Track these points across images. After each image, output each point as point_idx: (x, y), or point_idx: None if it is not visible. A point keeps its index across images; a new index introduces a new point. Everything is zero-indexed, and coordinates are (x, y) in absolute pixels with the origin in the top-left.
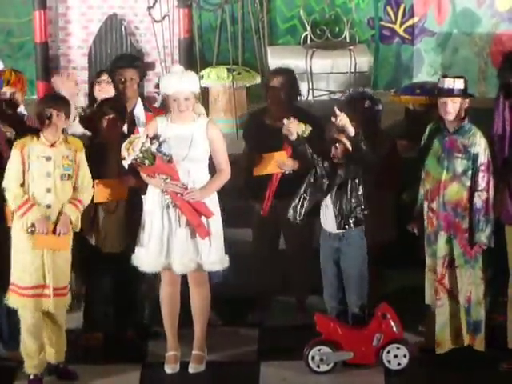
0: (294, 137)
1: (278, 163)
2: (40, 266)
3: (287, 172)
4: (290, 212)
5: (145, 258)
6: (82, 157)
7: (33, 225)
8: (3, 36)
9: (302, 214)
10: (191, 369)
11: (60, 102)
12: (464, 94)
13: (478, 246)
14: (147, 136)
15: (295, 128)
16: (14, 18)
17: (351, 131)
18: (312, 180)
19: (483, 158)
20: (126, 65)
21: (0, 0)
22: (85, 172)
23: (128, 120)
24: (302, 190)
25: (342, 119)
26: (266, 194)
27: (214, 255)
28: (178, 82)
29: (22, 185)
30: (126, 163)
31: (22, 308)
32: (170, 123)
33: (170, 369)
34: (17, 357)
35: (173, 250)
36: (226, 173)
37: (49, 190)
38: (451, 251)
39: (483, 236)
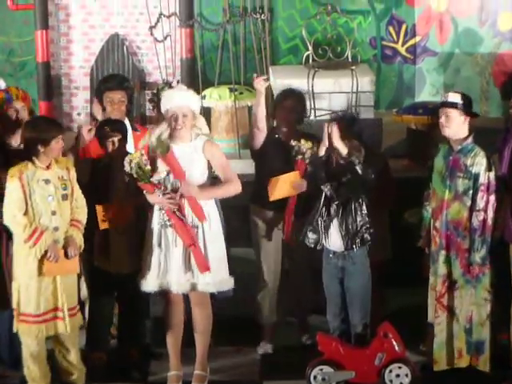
0: (308, 155)
1: (294, 185)
2: (53, 290)
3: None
4: (307, 237)
5: (144, 277)
6: (74, 175)
7: (44, 252)
8: (5, 55)
9: (321, 238)
10: None
11: (60, 127)
12: (464, 108)
13: (478, 266)
14: (142, 154)
15: (306, 147)
16: (15, 37)
17: (344, 152)
18: (323, 202)
19: (483, 178)
20: (115, 87)
21: (2, 19)
22: (78, 190)
23: None
24: (316, 214)
25: (335, 140)
26: (285, 219)
27: (209, 276)
28: (178, 98)
29: (25, 213)
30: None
31: (29, 335)
32: (169, 143)
33: None
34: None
35: (169, 270)
36: (235, 184)
37: (54, 213)
38: (451, 271)
39: (477, 256)
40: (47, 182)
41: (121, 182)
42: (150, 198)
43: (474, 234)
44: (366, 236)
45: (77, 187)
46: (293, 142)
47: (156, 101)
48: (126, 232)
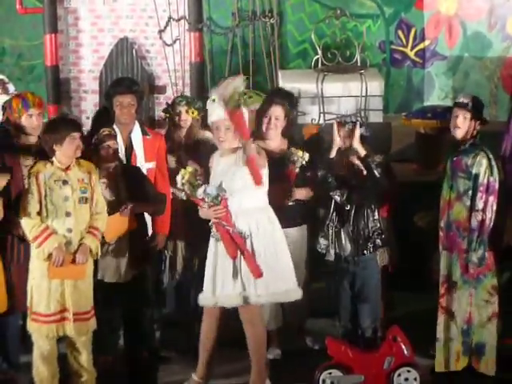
0: (299, 164)
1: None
2: (62, 291)
3: (291, 202)
4: (319, 243)
5: (202, 292)
6: (96, 179)
7: (50, 254)
8: (14, 59)
9: (331, 243)
10: None
11: (73, 125)
12: (473, 110)
13: (475, 267)
14: (196, 170)
15: (298, 155)
16: (24, 41)
17: (362, 153)
18: (333, 208)
19: (482, 178)
20: (125, 90)
21: (11, 23)
22: (99, 196)
23: (125, 144)
24: (326, 220)
25: (354, 142)
26: None
27: (260, 288)
28: (219, 111)
29: (39, 213)
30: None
31: (40, 335)
32: (219, 157)
33: None
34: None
35: (222, 284)
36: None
37: (68, 214)
38: (451, 272)
39: (474, 256)
40: (65, 183)
41: (116, 187)
42: (201, 213)
43: (472, 235)
44: (378, 241)
45: (98, 192)
46: (292, 149)
47: (171, 112)
48: (117, 242)
